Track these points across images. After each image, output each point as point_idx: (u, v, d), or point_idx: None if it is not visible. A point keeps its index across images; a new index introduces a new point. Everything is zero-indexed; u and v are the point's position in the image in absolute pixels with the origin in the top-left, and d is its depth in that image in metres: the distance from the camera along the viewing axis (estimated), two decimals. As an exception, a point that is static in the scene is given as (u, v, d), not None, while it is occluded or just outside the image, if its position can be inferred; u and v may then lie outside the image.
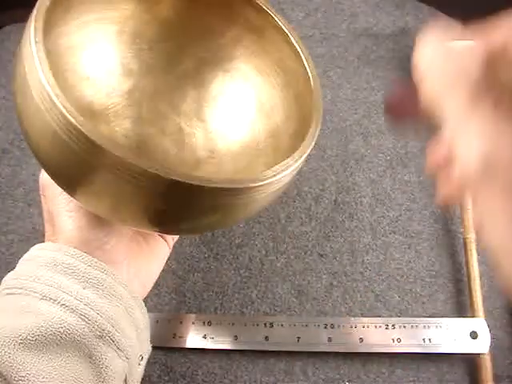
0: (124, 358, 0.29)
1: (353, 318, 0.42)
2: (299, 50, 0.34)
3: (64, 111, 0.23)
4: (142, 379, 0.41)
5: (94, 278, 0.29)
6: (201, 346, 0.41)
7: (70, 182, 0.27)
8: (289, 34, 0.34)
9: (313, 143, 0.30)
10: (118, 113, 0.37)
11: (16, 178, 0.49)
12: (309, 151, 0.29)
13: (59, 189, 0.29)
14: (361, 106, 0.51)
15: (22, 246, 0.45)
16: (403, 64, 0.54)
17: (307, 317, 0.42)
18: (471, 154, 0.19)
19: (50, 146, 0.25)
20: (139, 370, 0.31)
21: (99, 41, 0.36)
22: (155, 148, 0.38)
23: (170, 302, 0.43)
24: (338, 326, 0.41)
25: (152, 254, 0.34)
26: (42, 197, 0.33)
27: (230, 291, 0.44)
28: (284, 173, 0.27)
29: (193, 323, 0.41)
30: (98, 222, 0.30)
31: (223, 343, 0.41)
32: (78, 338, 0.27)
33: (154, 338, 0.41)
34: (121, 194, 0.25)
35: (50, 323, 0.26)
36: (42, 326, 0.26)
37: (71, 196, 0.28)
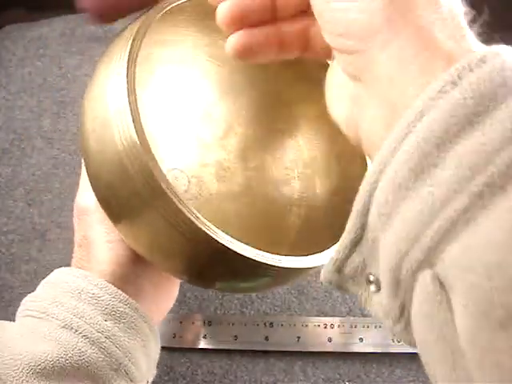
0: None
1: (353, 318, 0.42)
2: None
3: (135, 137, 0.23)
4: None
5: (117, 310, 0.28)
6: (201, 346, 0.41)
7: (121, 216, 0.27)
8: None
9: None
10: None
11: (16, 178, 0.48)
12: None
13: (101, 216, 0.29)
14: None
15: (22, 245, 0.45)
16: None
17: (307, 317, 0.42)
18: None
19: (112, 172, 0.24)
20: None
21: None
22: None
23: (170, 302, 0.43)
24: (338, 326, 0.41)
25: (169, 282, 0.34)
26: (76, 220, 0.32)
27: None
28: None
29: (193, 323, 0.41)
30: (136, 257, 0.30)
31: (223, 343, 0.41)
32: (96, 370, 0.27)
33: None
34: (169, 242, 0.25)
35: (70, 354, 0.26)
36: (61, 357, 0.26)
37: (116, 228, 0.28)
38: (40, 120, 0.51)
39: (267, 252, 0.25)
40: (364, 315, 0.42)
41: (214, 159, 0.38)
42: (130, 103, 0.23)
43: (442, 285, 0.16)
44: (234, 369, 0.41)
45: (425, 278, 0.16)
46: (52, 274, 0.31)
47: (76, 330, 0.27)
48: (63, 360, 0.26)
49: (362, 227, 0.19)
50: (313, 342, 0.41)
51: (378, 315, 0.19)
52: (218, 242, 0.24)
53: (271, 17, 0.23)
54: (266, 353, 0.41)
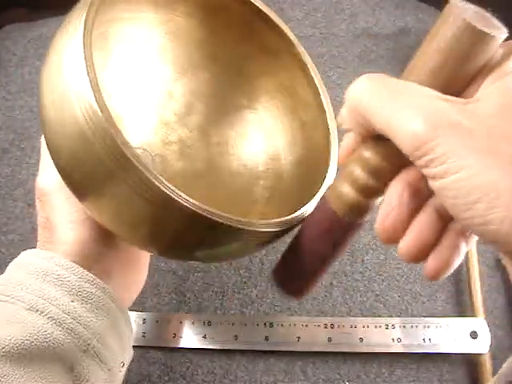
0: (106, 370, 0.29)
1: (353, 318, 0.42)
2: (315, 79, 0.33)
3: (96, 106, 0.22)
4: (142, 379, 0.41)
5: (84, 291, 0.28)
6: (201, 346, 0.41)
7: (86, 188, 0.26)
8: (307, 64, 0.34)
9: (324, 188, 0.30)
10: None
11: (16, 178, 0.48)
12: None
13: (62, 197, 0.29)
14: (361, 106, 0.51)
15: (21, 245, 0.45)
16: (403, 64, 0.54)
17: (307, 317, 0.42)
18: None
19: (74, 144, 0.24)
20: (120, 376, 0.31)
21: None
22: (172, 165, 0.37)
23: (170, 302, 0.43)
24: (338, 326, 0.41)
25: (139, 263, 0.34)
26: (37, 201, 0.32)
27: (229, 291, 0.44)
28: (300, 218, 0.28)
29: (193, 323, 0.41)
30: (99, 236, 0.30)
31: (223, 343, 0.41)
32: (63, 352, 0.27)
33: (154, 338, 0.41)
34: (136, 211, 0.25)
35: (36, 336, 0.26)
36: (27, 339, 0.26)
37: (81, 202, 0.27)
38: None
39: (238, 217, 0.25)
40: (364, 315, 0.42)
41: (177, 137, 0.37)
42: (87, 69, 0.23)
43: None
44: (234, 369, 0.41)
45: None
46: (19, 256, 0.30)
47: (42, 312, 0.27)
48: (28, 342, 0.26)
49: None
50: (313, 342, 0.41)
51: None
52: (187, 207, 0.23)
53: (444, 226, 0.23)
54: (266, 353, 0.41)
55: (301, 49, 0.34)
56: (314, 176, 0.32)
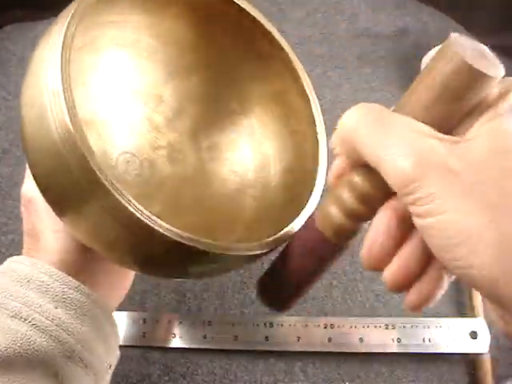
0: (91, 375, 0.29)
1: (353, 318, 0.42)
2: (306, 88, 0.33)
3: (70, 127, 0.22)
4: (142, 379, 0.41)
5: (68, 297, 0.28)
6: (201, 346, 0.41)
7: (62, 205, 0.26)
8: (299, 72, 0.33)
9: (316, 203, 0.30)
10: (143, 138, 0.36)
11: (16, 177, 0.48)
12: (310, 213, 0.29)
13: (47, 205, 0.28)
14: (361, 106, 0.51)
15: (21, 245, 0.45)
16: (403, 64, 0.54)
17: (307, 317, 0.42)
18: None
19: (50, 162, 0.24)
20: (107, 378, 0.31)
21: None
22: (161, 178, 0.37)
23: (170, 302, 0.43)
24: (338, 326, 0.41)
25: (127, 269, 0.33)
26: (22, 208, 0.32)
27: (230, 291, 0.44)
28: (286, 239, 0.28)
29: (193, 323, 0.41)
30: (84, 245, 0.29)
31: (223, 343, 0.41)
32: (47, 359, 0.27)
33: (154, 338, 0.41)
34: (110, 233, 0.24)
35: (19, 344, 0.26)
36: (10, 347, 0.26)
37: (58, 216, 0.27)
38: (40, 120, 0.51)
39: (214, 240, 0.25)
40: (364, 315, 0.42)
41: (166, 141, 0.37)
42: (64, 90, 0.22)
43: None
44: (234, 369, 0.41)
45: None
46: (4, 263, 0.30)
47: (25, 319, 0.27)
48: (12, 350, 0.26)
49: None
50: (313, 342, 0.41)
51: None
52: (166, 236, 0.23)
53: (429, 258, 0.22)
54: (266, 353, 0.41)
55: (293, 56, 0.34)
56: (302, 186, 0.32)
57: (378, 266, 0.22)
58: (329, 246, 0.25)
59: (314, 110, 0.33)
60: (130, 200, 0.23)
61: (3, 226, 0.46)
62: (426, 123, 0.20)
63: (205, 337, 0.41)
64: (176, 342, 0.41)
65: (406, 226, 0.22)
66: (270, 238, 0.28)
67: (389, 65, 0.54)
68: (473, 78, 0.19)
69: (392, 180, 0.20)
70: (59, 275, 0.28)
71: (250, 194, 0.36)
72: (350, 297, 0.43)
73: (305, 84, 0.33)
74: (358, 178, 0.23)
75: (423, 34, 0.56)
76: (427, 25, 0.57)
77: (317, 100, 0.33)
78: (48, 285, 0.28)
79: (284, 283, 0.28)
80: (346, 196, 0.23)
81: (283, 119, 0.36)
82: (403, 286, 0.22)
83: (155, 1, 0.33)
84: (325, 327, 0.41)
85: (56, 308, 0.28)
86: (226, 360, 0.41)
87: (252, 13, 0.33)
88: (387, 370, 0.41)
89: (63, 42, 0.24)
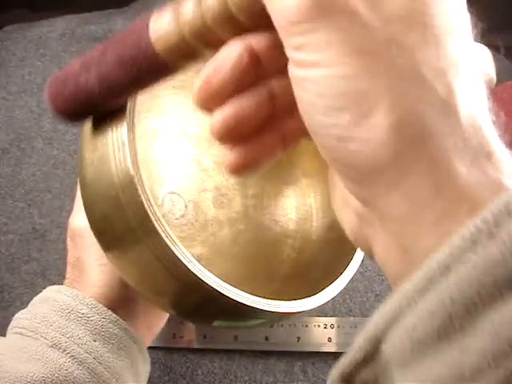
0: None
1: (353, 318, 0.42)
2: None
3: (131, 173, 0.23)
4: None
5: (107, 331, 0.28)
6: (201, 346, 0.41)
7: (114, 248, 0.26)
8: None
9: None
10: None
11: (16, 177, 0.48)
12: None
13: (94, 239, 0.29)
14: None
15: (21, 245, 0.45)
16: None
17: (307, 317, 0.42)
18: None
19: (107, 205, 0.24)
20: None
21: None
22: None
23: (170, 302, 0.43)
24: (338, 326, 0.41)
25: None
26: (69, 240, 0.32)
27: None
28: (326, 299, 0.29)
29: (193, 323, 0.41)
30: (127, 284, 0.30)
31: (223, 343, 0.41)
32: None
33: (154, 338, 0.41)
34: (158, 279, 0.25)
35: (57, 374, 0.26)
36: (47, 377, 0.26)
37: (107, 258, 0.27)
38: (40, 120, 0.51)
39: (257, 296, 0.25)
40: (364, 315, 0.42)
41: (213, 184, 0.37)
42: (128, 138, 0.23)
43: None
44: (234, 369, 0.41)
45: None
46: (44, 291, 0.30)
47: (64, 350, 0.27)
48: (49, 380, 0.26)
49: (373, 352, 0.16)
50: (313, 341, 0.41)
51: None
52: (209, 286, 0.23)
53: (269, 117, 0.19)
54: (266, 353, 0.41)
55: None
56: (344, 244, 0.31)
57: (211, 103, 0.19)
58: (153, 60, 0.20)
59: None
60: (181, 249, 0.23)
61: (3, 226, 0.46)
62: None
63: (205, 337, 0.41)
64: (176, 342, 0.41)
65: (256, 71, 0.18)
66: (309, 299, 0.28)
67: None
68: None
69: (278, 11, 0.15)
70: (99, 308, 0.29)
71: (289, 244, 0.36)
72: (349, 297, 0.43)
73: None
74: None
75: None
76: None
77: None
78: (88, 317, 0.28)
79: (79, 88, 0.21)
80: (190, 6, 0.18)
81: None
82: (230, 135, 0.19)
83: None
84: (325, 327, 0.41)
85: (94, 341, 0.28)
86: (225, 360, 0.41)
87: None
88: (387, 370, 0.41)
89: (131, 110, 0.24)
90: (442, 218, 0.15)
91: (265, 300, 0.25)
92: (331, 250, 0.34)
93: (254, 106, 0.18)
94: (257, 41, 0.18)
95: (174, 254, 0.23)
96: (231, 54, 0.18)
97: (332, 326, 0.41)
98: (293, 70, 0.16)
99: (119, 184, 0.23)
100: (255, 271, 0.35)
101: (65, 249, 0.32)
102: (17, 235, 0.46)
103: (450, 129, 0.15)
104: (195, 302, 0.26)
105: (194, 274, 0.23)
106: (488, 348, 0.13)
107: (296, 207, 0.38)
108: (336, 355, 0.41)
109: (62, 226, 0.45)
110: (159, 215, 0.23)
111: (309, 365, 0.41)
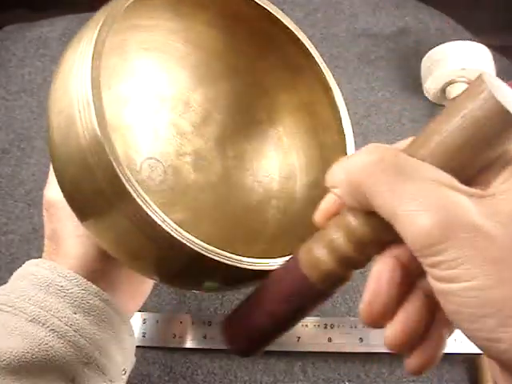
0: (107, 381, 0.28)
1: (353, 318, 0.42)
2: (337, 100, 0.32)
3: (99, 135, 0.22)
4: (142, 379, 0.41)
5: (87, 303, 0.28)
6: (201, 346, 0.41)
7: (86, 213, 0.26)
8: (329, 83, 0.33)
9: None
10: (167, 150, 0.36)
11: (16, 177, 0.48)
12: None
13: (69, 210, 0.28)
14: (361, 106, 0.51)
15: (21, 245, 0.45)
16: (403, 64, 0.54)
17: (307, 317, 0.42)
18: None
19: (76, 169, 0.23)
20: (122, 383, 0.31)
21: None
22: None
23: (170, 302, 0.43)
24: (338, 326, 0.41)
25: None
26: (45, 212, 0.31)
27: (230, 291, 0.44)
28: None
29: (193, 323, 0.41)
30: (105, 251, 0.29)
31: (223, 343, 0.41)
32: (64, 365, 0.26)
33: (154, 338, 0.41)
34: (134, 243, 0.24)
35: (37, 349, 0.26)
36: (28, 352, 0.26)
37: (81, 223, 0.27)
38: (40, 120, 0.51)
39: (239, 255, 0.24)
40: (364, 315, 0.43)
41: (192, 148, 0.36)
42: (93, 98, 0.22)
43: None
44: (234, 369, 0.41)
45: None
46: (23, 265, 0.30)
47: (43, 324, 0.26)
48: (29, 355, 0.26)
49: None
50: (313, 341, 0.41)
51: None
52: (187, 247, 0.23)
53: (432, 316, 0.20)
54: (266, 353, 0.41)
55: (324, 66, 0.33)
56: None
57: (380, 323, 0.20)
58: (312, 291, 0.23)
59: (344, 123, 0.32)
60: (155, 210, 0.22)
61: (3, 226, 0.46)
62: (446, 170, 0.18)
63: (205, 337, 0.41)
64: (176, 342, 0.41)
65: (409, 279, 0.20)
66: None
67: (389, 65, 0.54)
68: (507, 124, 0.17)
69: (410, 239, 0.17)
70: (79, 280, 0.28)
71: (273, 204, 0.36)
72: (349, 297, 0.43)
73: (335, 95, 0.32)
74: (356, 222, 0.20)
75: (423, 33, 0.56)
76: (427, 25, 0.57)
77: (347, 112, 0.32)
78: (67, 290, 0.28)
79: (252, 328, 0.25)
80: (340, 241, 0.21)
81: (311, 131, 0.35)
82: (405, 347, 0.20)
83: (186, 6, 0.32)
84: (325, 327, 0.41)
85: (75, 313, 0.27)
86: (226, 360, 0.41)
87: (283, 20, 0.33)
88: (387, 370, 0.41)
89: (94, 50, 0.23)
90: None
91: (248, 259, 0.25)
92: (313, 207, 0.34)
93: (418, 314, 0.20)
94: (399, 251, 0.20)
95: (148, 214, 0.22)
96: (382, 277, 0.20)
97: (332, 326, 0.41)
98: (433, 283, 0.18)
99: (87, 146, 0.22)
100: (239, 234, 0.34)
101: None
102: (17, 235, 0.46)
103: None
104: (177, 266, 0.25)
105: (169, 234, 0.22)
106: None
107: (279, 167, 0.37)
108: (336, 355, 0.41)
109: (62, 226, 0.45)
110: (129, 175, 0.22)
111: (309, 365, 0.41)
